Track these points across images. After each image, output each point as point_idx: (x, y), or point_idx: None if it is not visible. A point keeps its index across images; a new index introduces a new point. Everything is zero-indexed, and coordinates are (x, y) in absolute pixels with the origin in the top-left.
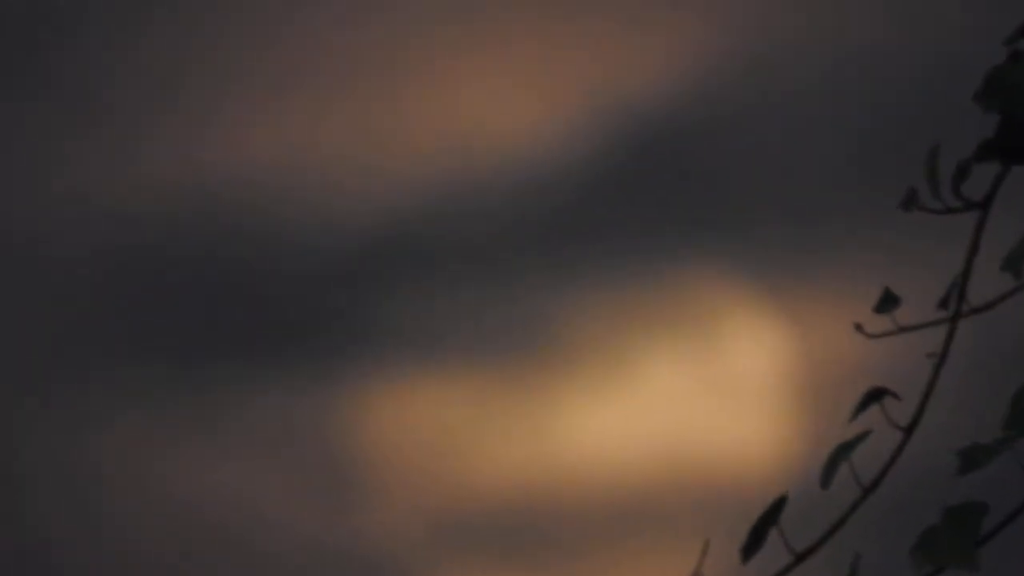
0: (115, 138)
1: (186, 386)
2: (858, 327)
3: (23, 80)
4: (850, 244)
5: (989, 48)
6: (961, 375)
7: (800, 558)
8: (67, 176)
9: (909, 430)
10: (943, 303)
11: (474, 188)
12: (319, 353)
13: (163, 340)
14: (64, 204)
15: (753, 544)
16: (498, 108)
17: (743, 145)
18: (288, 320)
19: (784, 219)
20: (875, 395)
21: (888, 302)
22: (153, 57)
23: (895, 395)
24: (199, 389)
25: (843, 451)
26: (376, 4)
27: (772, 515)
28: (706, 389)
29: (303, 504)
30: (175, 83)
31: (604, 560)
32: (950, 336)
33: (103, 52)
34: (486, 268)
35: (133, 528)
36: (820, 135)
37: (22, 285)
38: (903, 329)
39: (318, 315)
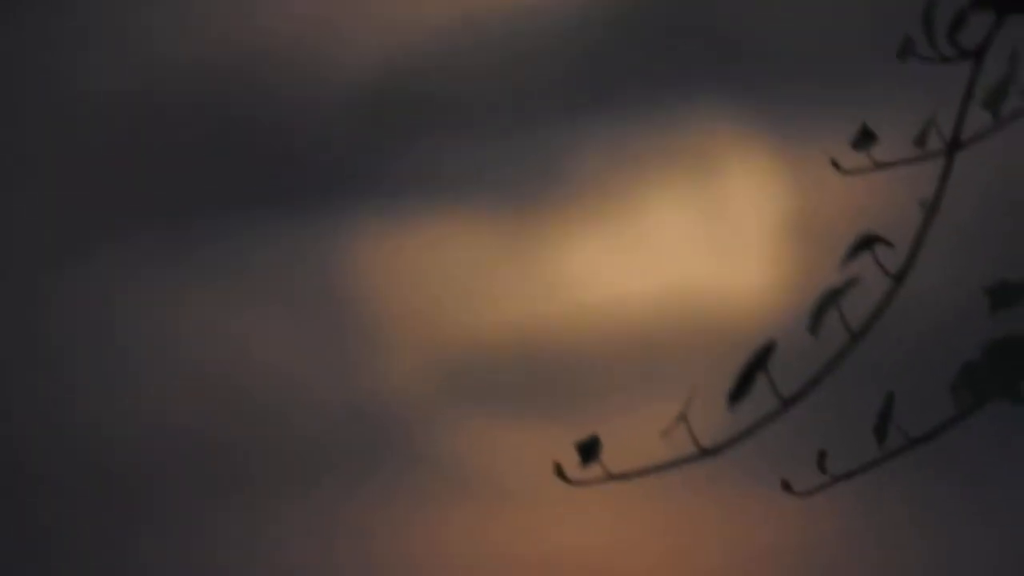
0: None
1: (198, 236)
2: (834, 163)
3: None
4: (848, 98)
5: None
6: (952, 227)
7: (787, 404)
8: (109, 25)
9: (900, 277)
10: (919, 141)
11: (487, 40)
12: (330, 203)
13: (176, 189)
14: (98, 54)
15: (740, 390)
16: None
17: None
18: (300, 169)
19: (787, 73)
20: (866, 242)
21: (865, 138)
22: None
23: (887, 242)
24: (210, 239)
25: (832, 297)
26: None
27: (760, 361)
28: (707, 236)
29: (309, 354)
30: None
31: (602, 403)
32: (944, 178)
33: None
34: (497, 118)
35: (142, 380)
36: None
37: (43, 129)
38: (880, 166)
39: (330, 165)
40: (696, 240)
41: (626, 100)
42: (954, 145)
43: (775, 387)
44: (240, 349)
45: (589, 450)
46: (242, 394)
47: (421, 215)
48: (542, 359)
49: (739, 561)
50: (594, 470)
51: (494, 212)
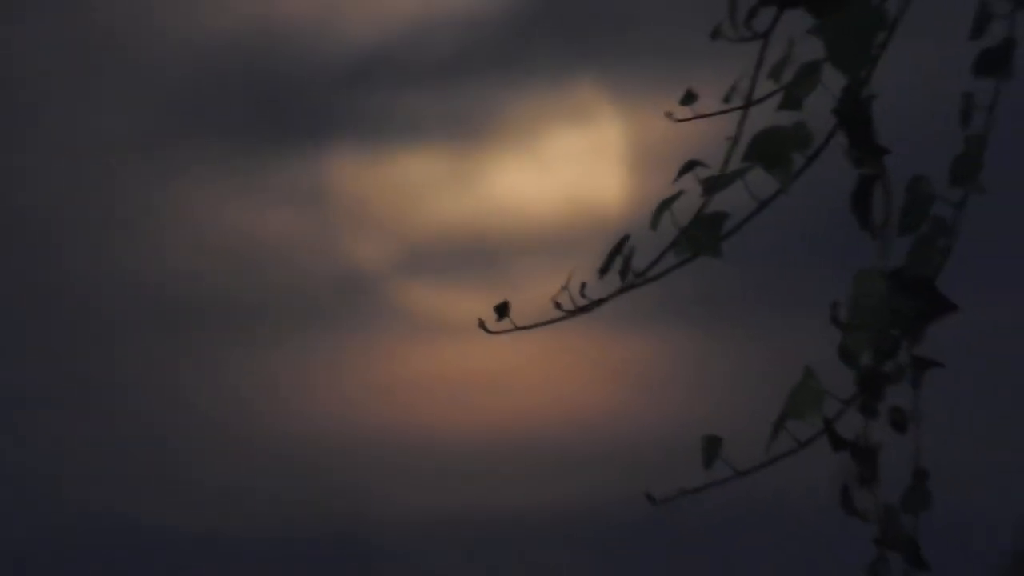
0: None
1: (232, 153)
2: (668, 114)
3: None
4: (686, 63)
5: None
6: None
7: (638, 277)
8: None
9: (710, 189)
10: (726, 98)
11: (442, 25)
12: (325, 135)
13: (219, 119)
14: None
15: (606, 267)
16: None
17: None
18: (304, 111)
19: (642, 54)
20: (690, 165)
21: (689, 97)
22: None
23: (704, 164)
24: (241, 155)
25: (665, 204)
26: None
27: (619, 247)
28: (589, 164)
29: (306, 239)
30: None
31: (513, 277)
32: (741, 123)
33: None
34: (447, 79)
35: (192, 249)
36: None
37: (132, 65)
38: (699, 116)
39: (326, 107)
40: (582, 167)
41: (536, 69)
42: (749, 102)
43: (629, 265)
44: (259, 234)
45: (502, 310)
46: (258, 265)
47: (393, 144)
48: (475, 247)
49: (595, 375)
50: (505, 323)
51: (444, 144)
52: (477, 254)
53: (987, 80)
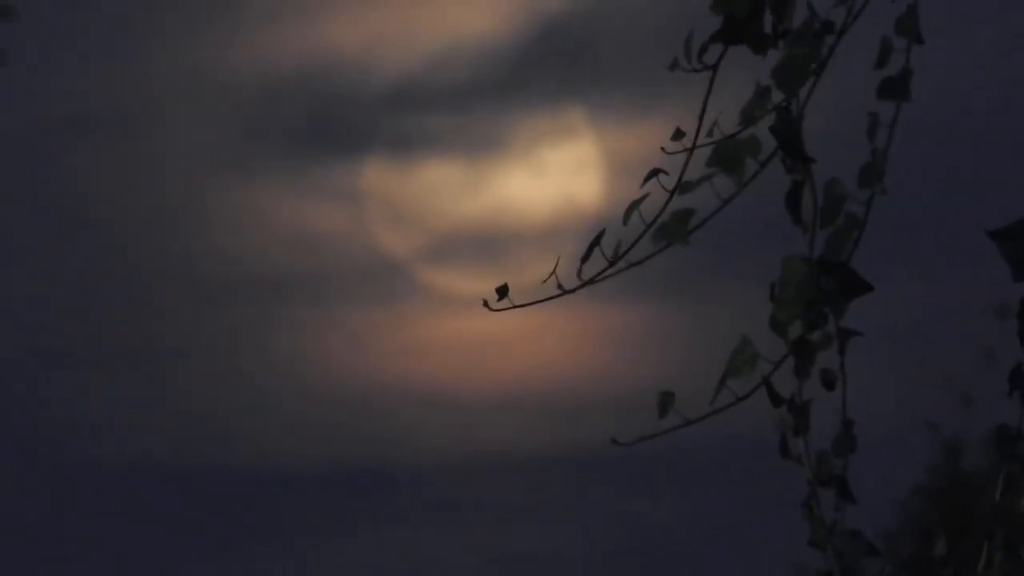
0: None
1: (288, 165)
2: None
3: None
4: (649, 92)
5: None
6: (699, 162)
7: (612, 263)
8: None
9: (672, 192)
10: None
11: (458, 60)
12: (361, 146)
13: (276, 139)
14: (249, 61)
15: (586, 256)
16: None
17: (607, 35)
18: (345, 130)
19: (616, 82)
20: (654, 172)
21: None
22: None
23: (665, 172)
24: (295, 166)
25: (634, 204)
26: None
27: (597, 239)
28: (575, 175)
29: (342, 229)
30: None
31: (511, 263)
32: (696, 138)
33: None
34: (462, 104)
35: (259, 233)
36: (646, 33)
37: (208, 107)
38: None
39: (362, 127)
40: (569, 175)
41: (533, 96)
42: (699, 126)
43: (604, 254)
44: (311, 225)
45: (502, 291)
46: (312, 250)
47: (418, 155)
48: (483, 238)
49: (578, 342)
50: (505, 302)
51: (459, 155)
52: (485, 244)
53: (889, 102)
